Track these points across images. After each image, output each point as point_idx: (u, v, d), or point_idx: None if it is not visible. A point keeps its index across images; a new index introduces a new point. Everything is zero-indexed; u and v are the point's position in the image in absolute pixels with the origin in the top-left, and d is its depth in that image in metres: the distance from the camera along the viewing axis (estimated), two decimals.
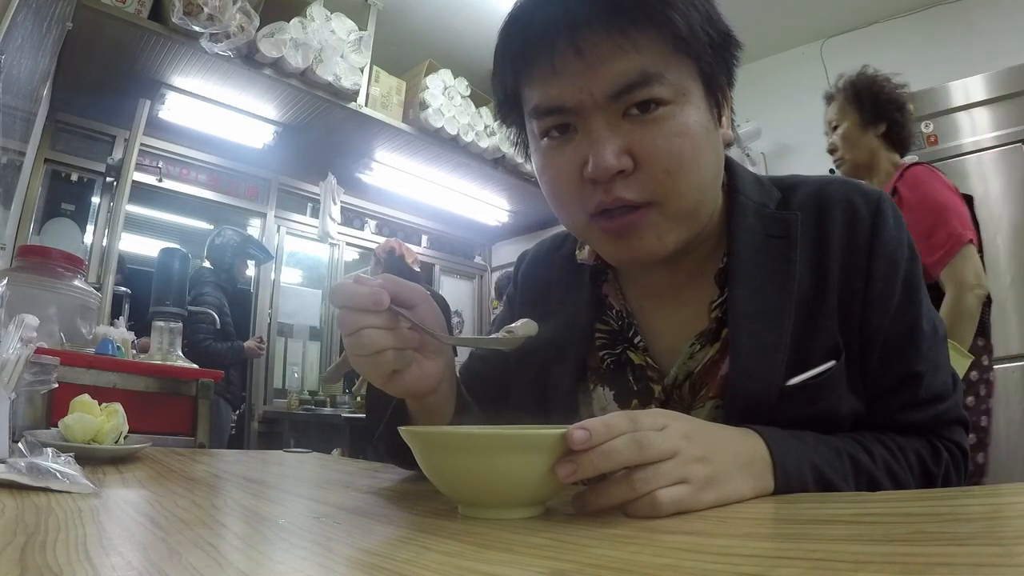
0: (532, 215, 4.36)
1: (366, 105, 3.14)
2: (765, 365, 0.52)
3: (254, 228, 3.82)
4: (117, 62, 2.61)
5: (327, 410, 3.44)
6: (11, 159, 1.70)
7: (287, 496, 0.55)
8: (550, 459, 0.37)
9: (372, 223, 4.38)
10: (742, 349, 0.53)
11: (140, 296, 2.39)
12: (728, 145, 0.57)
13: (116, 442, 0.73)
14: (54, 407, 1.08)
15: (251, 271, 3.52)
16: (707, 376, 0.56)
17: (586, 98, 0.50)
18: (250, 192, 3.77)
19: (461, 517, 0.39)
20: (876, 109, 1.61)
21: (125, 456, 0.73)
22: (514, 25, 0.53)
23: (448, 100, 3.42)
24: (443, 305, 2.77)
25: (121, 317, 2.01)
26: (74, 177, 3.07)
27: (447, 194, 4.03)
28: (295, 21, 2.79)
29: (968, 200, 1.57)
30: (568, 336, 0.63)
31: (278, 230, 3.86)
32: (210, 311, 2.76)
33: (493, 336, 0.55)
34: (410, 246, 3.41)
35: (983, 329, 1.49)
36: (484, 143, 3.59)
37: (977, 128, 2.41)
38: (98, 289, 1.99)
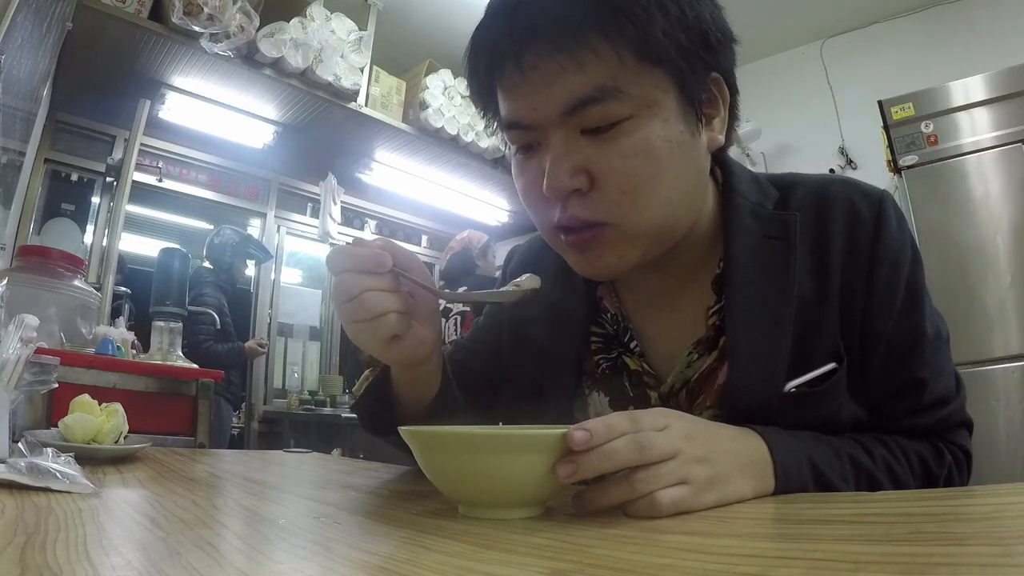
0: None
1: (366, 105, 3.13)
2: (765, 373, 0.51)
3: (254, 228, 3.81)
4: (117, 62, 2.61)
5: (327, 410, 3.44)
6: (11, 159, 1.70)
7: (287, 496, 0.55)
8: (550, 459, 0.37)
9: (372, 223, 4.38)
10: (741, 357, 0.52)
11: (140, 296, 2.40)
12: (727, 147, 0.56)
13: (116, 442, 0.72)
14: (54, 407, 1.08)
15: (251, 271, 3.52)
16: (705, 383, 0.55)
17: (540, 116, 0.48)
18: (250, 192, 3.77)
19: (461, 517, 0.39)
20: None
21: (125, 456, 0.73)
22: (472, 44, 0.52)
23: (448, 100, 3.41)
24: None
25: (120, 317, 2.00)
26: (74, 177, 3.06)
27: (447, 194, 4.02)
28: (295, 21, 2.79)
29: None
30: (563, 339, 0.62)
31: (278, 230, 3.86)
32: (210, 311, 2.77)
33: (496, 291, 0.55)
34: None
35: None
36: (484, 143, 3.59)
37: (977, 128, 2.40)
38: (98, 289, 2.00)
